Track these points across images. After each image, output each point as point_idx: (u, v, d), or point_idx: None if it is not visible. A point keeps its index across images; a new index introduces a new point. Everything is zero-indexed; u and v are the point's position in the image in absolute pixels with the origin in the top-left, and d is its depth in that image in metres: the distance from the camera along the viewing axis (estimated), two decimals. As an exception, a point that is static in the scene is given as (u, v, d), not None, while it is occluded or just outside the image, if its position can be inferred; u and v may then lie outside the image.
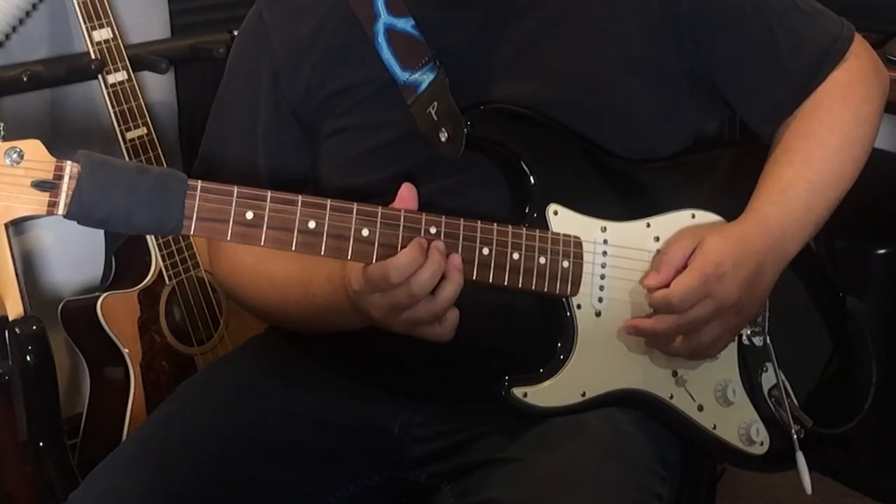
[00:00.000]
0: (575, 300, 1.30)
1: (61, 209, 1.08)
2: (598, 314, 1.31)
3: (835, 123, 1.37)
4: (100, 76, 2.11)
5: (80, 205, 1.08)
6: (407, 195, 1.22)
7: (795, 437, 1.40)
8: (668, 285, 1.29)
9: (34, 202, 1.06)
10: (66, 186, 1.07)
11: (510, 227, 1.26)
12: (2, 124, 1.03)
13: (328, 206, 1.17)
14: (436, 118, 1.30)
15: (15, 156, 1.05)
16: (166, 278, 2.18)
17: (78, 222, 1.09)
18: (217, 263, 1.48)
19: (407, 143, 1.35)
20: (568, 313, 1.30)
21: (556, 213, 1.30)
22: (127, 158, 2.11)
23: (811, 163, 1.36)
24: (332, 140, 1.41)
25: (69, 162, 1.08)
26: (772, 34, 1.37)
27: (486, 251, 1.24)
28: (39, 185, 1.06)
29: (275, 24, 1.44)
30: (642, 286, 1.31)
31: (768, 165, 1.38)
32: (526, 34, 1.36)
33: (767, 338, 1.41)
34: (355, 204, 1.18)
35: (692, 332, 1.30)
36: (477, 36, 1.36)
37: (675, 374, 1.35)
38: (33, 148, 1.06)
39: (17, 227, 2.24)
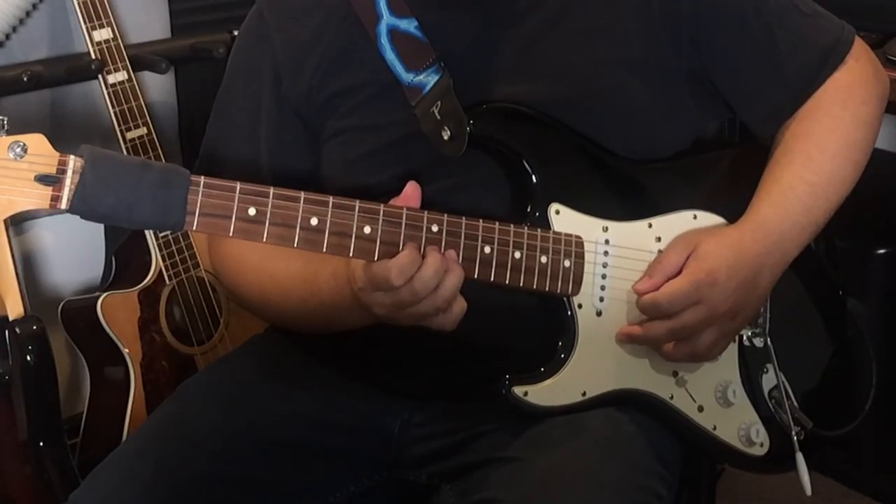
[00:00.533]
0: (576, 300, 1.30)
1: (64, 203, 1.07)
2: (598, 314, 1.31)
3: (834, 125, 1.37)
4: (100, 76, 2.11)
5: (83, 199, 1.08)
6: (411, 193, 1.22)
7: (795, 438, 1.40)
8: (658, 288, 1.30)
9: (37, 196, 1.06)
10: (69, 181, 1.07)
11: (512, 226, 1.26)
12: (5, 118, 1.03)
13: (330, 203, 1.17)
14: (439, 117, 1.30)
15: (18, 150, 1.04)
16: (166, 278, 2.18)
17: (81, 217, 1.09)
18: (220, 262, 1.48)
19: (409, 143, 1.35)
20: (569, 313, 1.30)
21: (557, 212, 1.30)
22: (127, 158, 2.11)
23: (811, 164, 1.36)
24: (334, 141, 1.41)
25: (72, 156, 1.08)
26: (772, 36, 1.38)
27: (487, 250, 1.24)
28: (43, 180, 1.06)
29: (276, 24, 1.44)
30: (633, 291, 1.32)
31: (768, 167, 1.38)
32: (526, 35, 1.36)
33: (768, 339, 1.41)
34: (357, 201, 1.18)
35: (687, 338, 1.30)
36: (478, 36, 1.37)
37: (675, 374, 1.35)
38: (37, 142, 1.06)
39: (18, 226, 2.24)
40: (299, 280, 1.35)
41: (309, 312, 1.36)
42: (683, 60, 1.37)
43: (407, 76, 1.34)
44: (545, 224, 1.29)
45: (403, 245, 1.19)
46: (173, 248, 2.18)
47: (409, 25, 1.35)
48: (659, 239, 1.34)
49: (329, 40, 1.40)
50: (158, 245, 2.16)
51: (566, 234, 1.30)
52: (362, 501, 1.44)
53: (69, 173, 1.07)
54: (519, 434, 1.30)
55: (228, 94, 1.49)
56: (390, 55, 1.35)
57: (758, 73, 1.39)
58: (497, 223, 1.25)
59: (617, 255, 1.32)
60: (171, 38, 2.40)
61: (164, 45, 2.36)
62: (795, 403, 1.42)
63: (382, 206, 1.19)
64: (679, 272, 1.30)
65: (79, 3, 2.07)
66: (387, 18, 1.36)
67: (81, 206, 1.08)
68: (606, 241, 1.32)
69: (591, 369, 1.31)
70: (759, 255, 1.31)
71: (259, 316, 1.50)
